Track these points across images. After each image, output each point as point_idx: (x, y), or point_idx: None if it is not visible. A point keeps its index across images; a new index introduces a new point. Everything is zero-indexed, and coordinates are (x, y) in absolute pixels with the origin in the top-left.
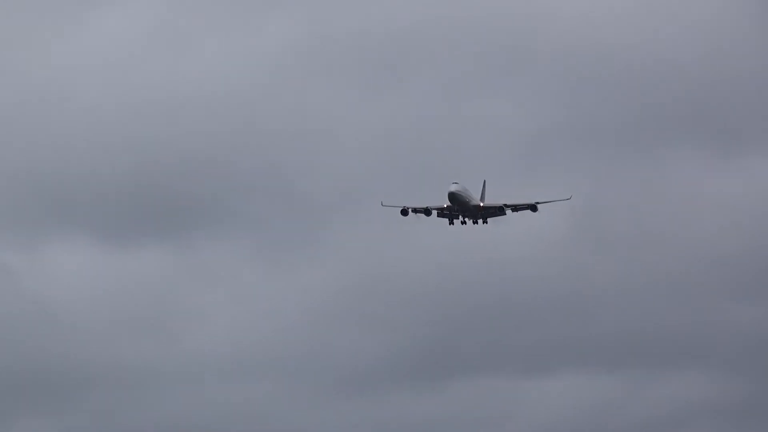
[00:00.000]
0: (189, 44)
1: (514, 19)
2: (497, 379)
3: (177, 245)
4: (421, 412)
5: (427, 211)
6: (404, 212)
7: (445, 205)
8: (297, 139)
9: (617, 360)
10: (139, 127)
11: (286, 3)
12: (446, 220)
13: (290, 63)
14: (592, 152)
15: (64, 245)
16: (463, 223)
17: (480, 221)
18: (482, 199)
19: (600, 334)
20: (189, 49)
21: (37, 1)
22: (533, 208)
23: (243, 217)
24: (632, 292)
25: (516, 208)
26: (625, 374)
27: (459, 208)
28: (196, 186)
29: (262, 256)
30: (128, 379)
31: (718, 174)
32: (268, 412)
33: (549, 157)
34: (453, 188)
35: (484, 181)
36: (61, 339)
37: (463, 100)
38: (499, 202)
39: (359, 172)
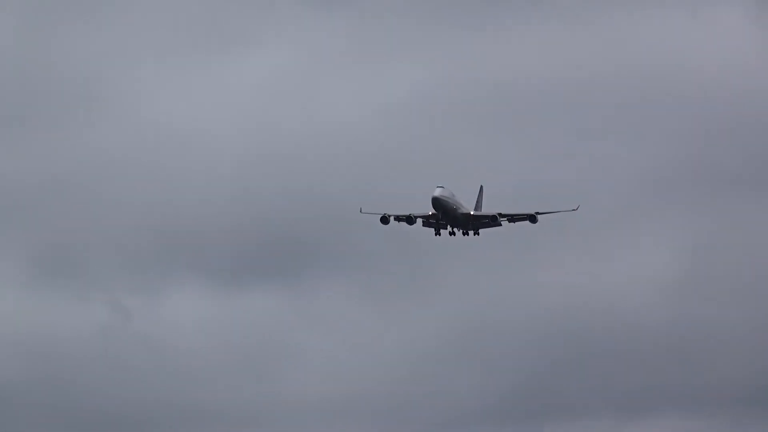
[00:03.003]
0: (314, 91)
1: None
2: (596, 421)
3: (288, 287)
4: None
5: (409, 219)
6: (384, 220)
7: (430, 213)
8: (417, 182)
9: (719, 404)
10: (255, 172)
11: (414, 51)
12: (432, 231)
13: (416, 110)
14: (708, 194)
15: (178, 287)
16: (452, 234)
17: (471, 232)
18: (478, 207)
19: (703, 378)
20: (313, 95)
21: (165, 47)
22: (533, 218)
23: (354, 259)
24: (739, 335)
25: (513, 218)
26: (727, 418)
27: (445, 217)
28: (310, 227)
29: (371, 298)
30: (238, 420)
31: None
32: None
33: (668, 198)
34: (437, 192)
35: (481, 187)
36: (173, 380)
37: (589, 145)
38: (493, 210)
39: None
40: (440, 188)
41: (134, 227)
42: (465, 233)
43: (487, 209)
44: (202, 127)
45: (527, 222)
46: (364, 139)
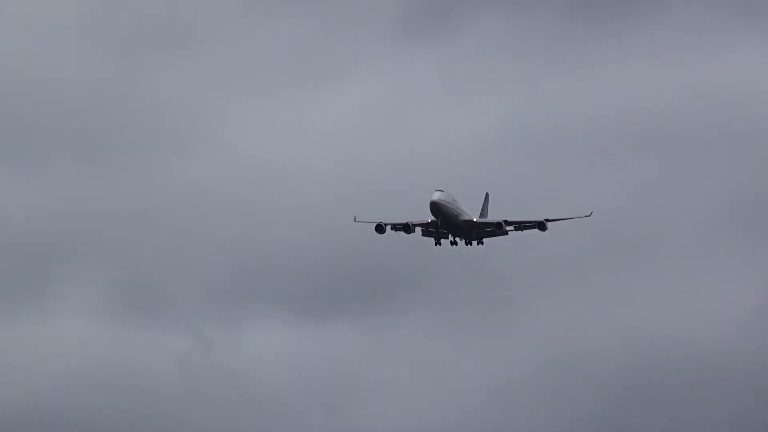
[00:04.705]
0: (404, 125)
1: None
2: None
3: (369, 318)
4: None
5: (407, 228)
6: (380, 229)
7: (429, 220)
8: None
9: None
10: (341, 205)
11: (501, 85)
12: (432, 240)
13: (504, 145)
14: None
15: (259, 321)
16: (453, 243)
17: (474, 242)
18: (483, 215)
19: None
20: (403, 129)
21: (257, 82)
22: (542, 226)
23: (435, 293)
24: None
25: (520, 225)
26: None
27: (445, 224)
28: (393, 260)
29: (451, 329)
30: None
31: None
32: None
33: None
34: (436, 197)
35: (487, 194)
36: (253, 412)
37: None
38: (498, 217)
39: (564, 252)
40: (439, 192)
41: (219, 260)
42: (468, 243)
43: (492, 217)
44: (290, 160)
45: (537, 230)
46: (453, 173)
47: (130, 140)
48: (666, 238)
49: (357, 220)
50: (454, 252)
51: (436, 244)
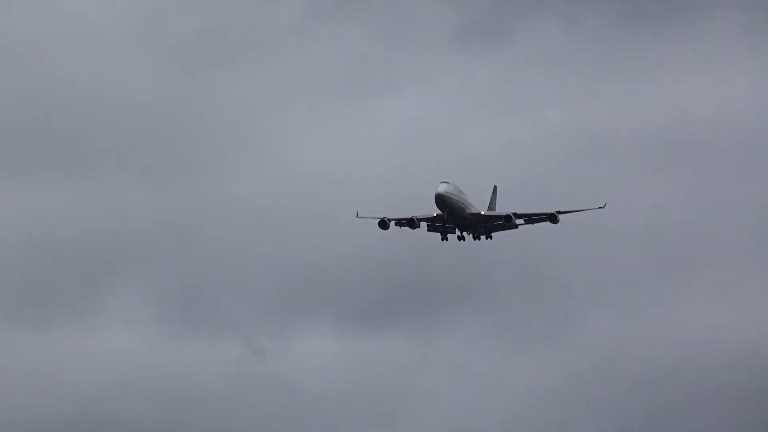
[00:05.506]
0: (456, 134)
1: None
2: None
3: (418, 328)
4: None
5: (411, 223)
6: (383, 225)
7: (435, 214)
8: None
9: None
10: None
11: (552, 93)
12: (438, 235)
13: (554, 152)
14: None
15: (309, 329)
16: (461, 238)
17: (483, 236)
18: (492, 209)
19: None
20: (456, 139)
21: (310, 93)
22: (553, 218)
23: (484, 301)
24: None
25: (530, 218)
26: None
27: (451, 218)
28: (443, 270)
29: (501, 338)
30: None
31: None
32: None
33: None
34: (441, 189)
35: (495, 187)
36: (304, 421)
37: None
38: (507, 210)
39: (617, 257)
40: (445, 184)
41: (271, 270)
42: (476, 237)
43: (501, 210)
44: (343, 172)
45: (548, 223)
46: (507, 182)
47: (182, 151)
48: (717, 246)
49: (359, 216)
50: (483, 252)
51: (442, 239)
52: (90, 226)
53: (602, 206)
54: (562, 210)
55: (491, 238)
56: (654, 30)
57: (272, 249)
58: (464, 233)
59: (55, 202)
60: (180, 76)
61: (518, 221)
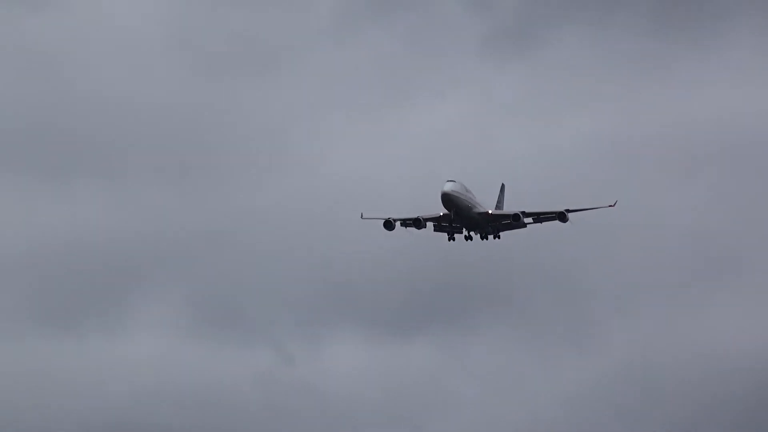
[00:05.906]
0: (488, 141)
1: None
2: None
3: (448, 334)
4: None
5: (417, 223)
6: (389, 225)
7: (441, 214)
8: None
9: None
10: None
11: (582, 100)
12: (445, 236)
13: (584, 158)
14: None
15: (338, 336)
16: (468, 238)
17: (490, 236)
18: (499, 208)
19: None
20: (488, 145)
21: (344, 100)
22: (562, 217)
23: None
24: None
25: (539, 217)
26: None
27: (458, 217)
28: (473, 276)
29: (522, 343)
30: None
31: None
32: None
33: None
34: (447, 187)
35: (503, 185)
36: (333, 428)
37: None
38: (515, 209)
39: (644, 263)
40: (451, 182)
41: (302, 277)
42: (484, 237)
43: (509, 209)
44: (377, 178)
45: (557, 222)
46: (537, 187)
47: (217, 158)
48: (745, 251)
49: (364, 216)
50: (494, 252)
51: (449, 240)
52: (123, 233)
53: (612, 204)
54: (570, 208)
55: (499, 237)
56: (682, 37)
57: (304, 255)
58: (471, 233)
59: (88, 209)
60: (215, 84)
61: (526, 220)
